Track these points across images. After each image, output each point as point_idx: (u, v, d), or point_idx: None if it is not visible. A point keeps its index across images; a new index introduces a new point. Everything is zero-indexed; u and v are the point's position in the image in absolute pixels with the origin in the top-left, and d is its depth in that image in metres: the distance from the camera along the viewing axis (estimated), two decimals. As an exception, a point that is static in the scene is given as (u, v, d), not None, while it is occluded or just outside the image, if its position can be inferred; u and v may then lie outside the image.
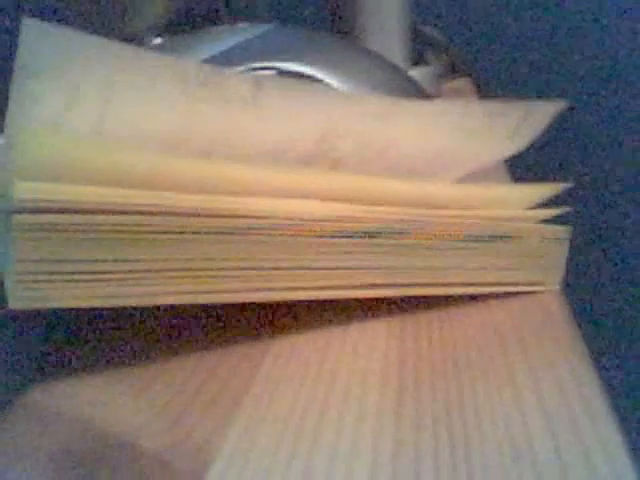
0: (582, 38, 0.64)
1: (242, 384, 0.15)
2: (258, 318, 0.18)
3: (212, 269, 0.15)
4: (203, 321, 0.18)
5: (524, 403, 0.14)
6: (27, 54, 0.13)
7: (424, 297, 0.19)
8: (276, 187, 0.16)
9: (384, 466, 0.12)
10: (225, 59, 0.26)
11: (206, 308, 0.18)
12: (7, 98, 0.14)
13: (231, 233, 0.15)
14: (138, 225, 0.14)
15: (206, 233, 0.15)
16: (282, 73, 0.26)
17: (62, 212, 0.14)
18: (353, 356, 0.16)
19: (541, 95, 0.64)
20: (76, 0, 0.34)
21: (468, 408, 0.14)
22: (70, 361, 0.16)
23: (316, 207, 0.16)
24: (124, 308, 0.16)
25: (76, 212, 0.14)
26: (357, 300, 0.18)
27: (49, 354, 0.16)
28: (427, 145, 0.20)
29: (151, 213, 0.14)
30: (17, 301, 0.13)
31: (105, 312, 0.17)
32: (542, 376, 0.15)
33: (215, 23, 0.39)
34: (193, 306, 0.18)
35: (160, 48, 0.31)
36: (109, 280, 0.14)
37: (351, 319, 0.18)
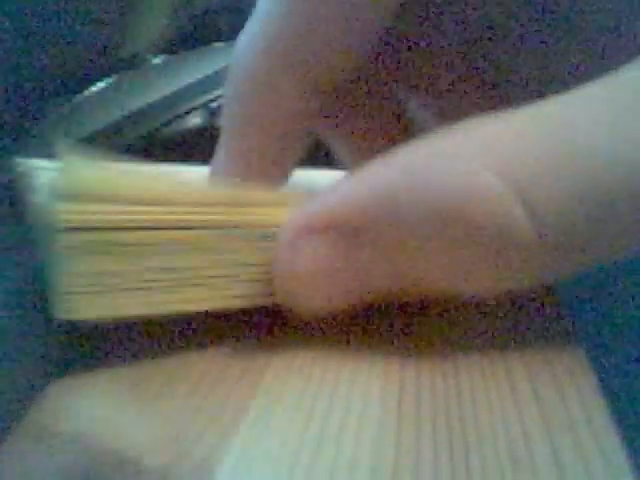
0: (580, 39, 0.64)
1: (243, 398, 0.15)
2: (259, 331, 0.18)
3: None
4: (203, 335, 0.18)
5: (522, 406, 0.14)
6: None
7: (422, 303, 0.19)
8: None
9: (384, 475, 0.12)
10: (225, 76, 0.27)
11: (205, 321, 0.18)
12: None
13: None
14: (169, 238, 0.16)
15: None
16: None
17: (104, 230, 0.15)
18: (354, 367, 0.16)
19: (540, 96, 0.64)
20: (76, 20, 0.35)
21: (467, 410, 0.14)
22: (69, 377, 0.16)
23: None
24: (124, 324, 0.17)
25: (116, 229, 0.15)
26: (359, 309, 0.18)
27: (48, 370, 0.17)
28: None
29: (176, 227, 0.16)
30: (66, 313, 0.15)
31: (104, 328, 0.17)
32: (540, 379, 0.15)
33: (216, 41, 0.40)
34: (192, 319, 0.18)
35: (160, 67, 0.31)
36: (153, 289, 0.16)
37: (352, 329, 0.18)
